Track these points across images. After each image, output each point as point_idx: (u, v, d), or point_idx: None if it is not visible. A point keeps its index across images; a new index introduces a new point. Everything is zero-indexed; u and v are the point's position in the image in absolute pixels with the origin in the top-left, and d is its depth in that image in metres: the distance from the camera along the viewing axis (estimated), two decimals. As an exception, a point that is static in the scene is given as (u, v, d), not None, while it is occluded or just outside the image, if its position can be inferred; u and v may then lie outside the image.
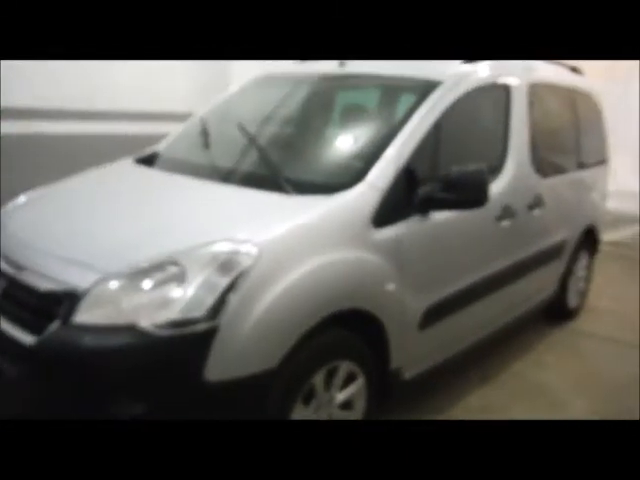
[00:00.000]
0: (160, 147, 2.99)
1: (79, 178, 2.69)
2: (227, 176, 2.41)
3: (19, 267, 1.92)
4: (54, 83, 4.20)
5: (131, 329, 1.62)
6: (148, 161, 2.81)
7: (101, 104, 4.77)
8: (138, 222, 2.08)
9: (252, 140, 2.51)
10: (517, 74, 3.02)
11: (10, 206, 2.44)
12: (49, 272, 1.82)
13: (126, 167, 2.77)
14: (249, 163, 2.51)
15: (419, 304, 2.32)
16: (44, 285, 1.78)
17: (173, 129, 3.25)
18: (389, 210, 2.14)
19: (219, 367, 1.65)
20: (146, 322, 1.62)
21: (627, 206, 5.92)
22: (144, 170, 2.69)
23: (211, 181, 2.38)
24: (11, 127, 4.15)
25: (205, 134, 2.76)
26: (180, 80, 5.15)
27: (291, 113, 2.92)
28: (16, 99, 4.18)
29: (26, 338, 1.73)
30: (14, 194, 2.53)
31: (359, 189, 2.10)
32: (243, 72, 5.03)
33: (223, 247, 1.75)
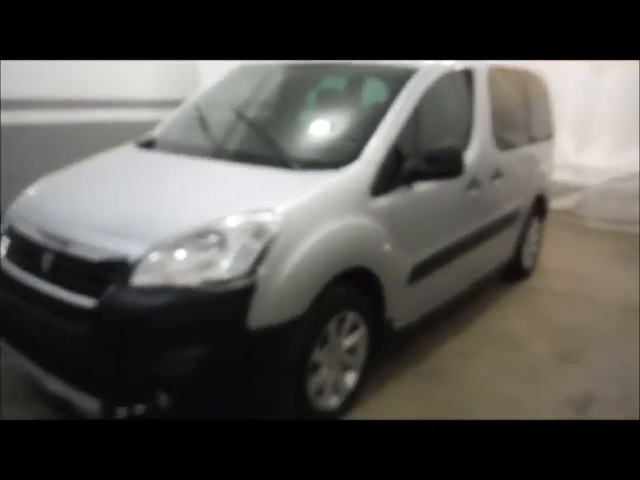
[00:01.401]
0: (157, 132, 3.22)
1: (90, 162, 2.91)
2: (235, 155, 2.68)
3: (65, 242, 2.16)
4: (45, 73, 4.30)
5: (183, 288, 1.92)
6: (149, 146, 3.05)
7: (77, 93, 4.85)
8: (166, 197, 2.34)
9: (255, 123, 2.81)
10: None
11: (33, 189, 2.65)
12: (98, 244, 2.08)
13: (132, 151, 3.01)
14: (254, 144, 2.81)
15: (407, 262, 2.70)
16: (97, 255, 2.05)
17: (154, 116, 3.48)
18: (382, 182, 2.49)
19: (259, 316, 1.98)
20: (195, 281, 1.93)
21: (570, 177, 6.48)
22: (150, 153, 2.94)
23: (220, 160, 2.65)
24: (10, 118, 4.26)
25: (204, 118, 3.02)
26: (149, 70, 5.29)
27: (285, 99, 3.23)
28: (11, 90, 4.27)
29: (85, 301, 2.00)
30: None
31: (358, 165, 2.44)
32: (211, 64, 5.28)
33: (256, 216, 2.06)
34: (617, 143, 6.36)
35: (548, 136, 4.59)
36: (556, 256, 5.07)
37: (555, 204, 6.23)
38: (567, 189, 6.47)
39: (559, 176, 6.03)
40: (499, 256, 3.90)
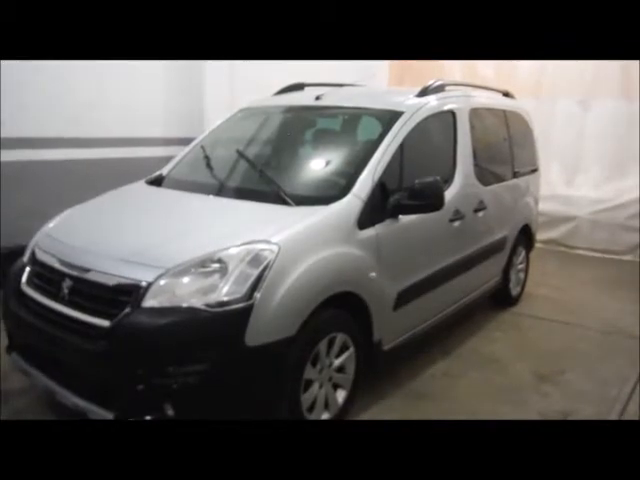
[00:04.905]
0: (165, 171, 3.51)
1: (104, 198, 3.20)
2: (235, 192, 2.97)
3: (83, 269, 2.42)
4: (63, 114, 4.63)
5: (189, 309, 2.17)
6: (158, 183, 3.34)
7: (88, 132, 5.15)
8: (173, 229, 2.63)
9: (254, 162, 3.10)
10: (460, 102, 3.71)
11: (53, 222, 2.92)
12: (113, 271, 2.34)
13: (143, 188, 3.29)
14: (253, 181, 3.09)
15: (393, 289, 2.94)
16: (112, 281, 2.30)
17: (153, 152, 3.75)
18: (369, 215, 2.76)
19: (255, 335, 2.22)
20: (199, 304, 2.18)
21: (559, 208, 6.72)
22: (160, 190, 3.22)
23: (222, 196, 2.94)
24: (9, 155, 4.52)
25: (208, 158, 3.32)
26: (159, 109, 5.58)
27: (283, 139, 3.52)
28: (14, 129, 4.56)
29: (101, 322, 2.25)
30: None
31: (346, 200, 2.71)
32: (216, 103, 5.60)
33: (253, 246, 2.32)
34: (604, 174, 6.63)
35: (533, 170, 4.86)
36: (545, 283, 5.29)
37: (546, 234, 6.52)
38: (557, 219, 6.72)
39: (549, 207, 6.33)
40: (484, 283, 4.13)
